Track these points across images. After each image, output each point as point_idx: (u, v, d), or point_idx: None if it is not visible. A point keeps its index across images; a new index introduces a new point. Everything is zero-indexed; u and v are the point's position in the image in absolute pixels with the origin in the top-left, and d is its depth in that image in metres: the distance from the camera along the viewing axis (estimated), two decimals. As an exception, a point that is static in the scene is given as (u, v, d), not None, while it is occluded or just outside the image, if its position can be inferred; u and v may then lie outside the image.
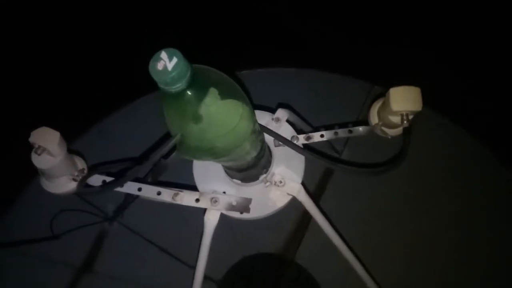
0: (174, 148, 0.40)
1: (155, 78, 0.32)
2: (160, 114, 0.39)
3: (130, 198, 0.95)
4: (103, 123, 1.10)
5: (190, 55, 0.34)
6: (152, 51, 0.33)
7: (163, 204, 0.85)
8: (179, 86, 0.33)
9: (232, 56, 1.27)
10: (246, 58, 1.24)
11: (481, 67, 1.21)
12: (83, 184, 0.51)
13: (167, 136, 0.39)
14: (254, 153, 0.48)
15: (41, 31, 1.40)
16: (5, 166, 1.18)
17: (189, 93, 0.34)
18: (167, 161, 0.64)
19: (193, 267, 0.96)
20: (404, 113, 0.50)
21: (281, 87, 1.12)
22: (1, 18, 1.39)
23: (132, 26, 1.36)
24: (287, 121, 0.61)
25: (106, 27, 1.37)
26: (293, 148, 0.49)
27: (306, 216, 0.98)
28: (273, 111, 0.63)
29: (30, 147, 0.49)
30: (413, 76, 0.57)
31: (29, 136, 0.48)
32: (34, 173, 1.00)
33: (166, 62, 0.32)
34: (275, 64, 1.17)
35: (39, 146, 0.48)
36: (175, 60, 0.32)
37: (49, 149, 0.48)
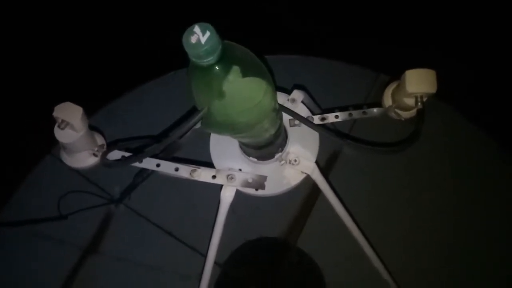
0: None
1: (188, 51, 0.33)
2: (187, 90, 0.40)
3: (137, 180, 0.96)
4: (110, 106, 1.10)
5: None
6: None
7: (169, 188, 0.85)
8: (210, 59, 0.34)
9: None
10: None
11: (489, 63, 1.22)
12: (105, 157, 0.52)
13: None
14: (272, 131, 0.49)
15: (49, 16, 1.40)
16: (12, 147, 1.18)
17: (217, 68, 0.35)
18: (181, 141, 0.65)
19: (198, 250, 0.98)
20: (419, 95, 0.51)
21: (286, 73, 1.12)
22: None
23: (133, 23, 1.37)
24: (302, 102, 0.62)
25: (112, 16, 1.38)
26: (312, 127, 0.50)
27: (309, 201, 1.00)
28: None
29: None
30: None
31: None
32: (42, 154, 1.01)
33: (200, 36, 0.33)
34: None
35: (63, 121, 0.48)
36: (208, 33, 0.33)
37: (72, 124, 0.49)
